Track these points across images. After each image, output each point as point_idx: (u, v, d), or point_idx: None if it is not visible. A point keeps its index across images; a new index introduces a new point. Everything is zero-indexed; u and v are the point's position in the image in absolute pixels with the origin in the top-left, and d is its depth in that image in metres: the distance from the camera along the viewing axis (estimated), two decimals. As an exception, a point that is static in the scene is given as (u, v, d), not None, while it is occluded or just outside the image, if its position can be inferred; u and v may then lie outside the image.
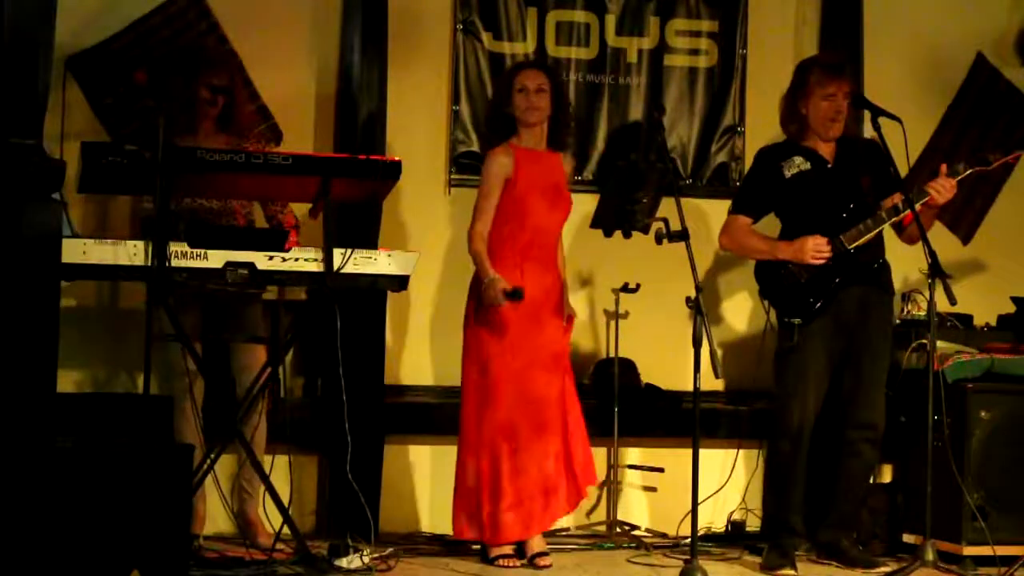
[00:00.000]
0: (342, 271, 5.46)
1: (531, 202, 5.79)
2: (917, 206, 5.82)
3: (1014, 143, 7.11)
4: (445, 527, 6.40)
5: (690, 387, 5.36)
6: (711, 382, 5.59)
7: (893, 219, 5.92)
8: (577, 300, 6.36)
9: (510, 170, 5.78)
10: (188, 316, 5.76)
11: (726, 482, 6.42)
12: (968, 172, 5.97)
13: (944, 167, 5.96)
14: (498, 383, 5.74)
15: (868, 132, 6.06)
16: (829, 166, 5.99)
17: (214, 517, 6.08)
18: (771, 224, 6.14)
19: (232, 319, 5.87)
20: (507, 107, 5.82)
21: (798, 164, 6.00)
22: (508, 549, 5.77)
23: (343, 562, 5.52)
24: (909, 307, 6.46)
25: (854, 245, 5.90)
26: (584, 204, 6.30)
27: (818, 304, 5.92)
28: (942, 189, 5.87)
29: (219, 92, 5.85)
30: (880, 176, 5.98)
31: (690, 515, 5.36)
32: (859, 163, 6.01)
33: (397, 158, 5.62)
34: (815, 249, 5.91)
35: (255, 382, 5.75)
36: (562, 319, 5.88)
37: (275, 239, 5.46)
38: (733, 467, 6.47)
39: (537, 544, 5.79)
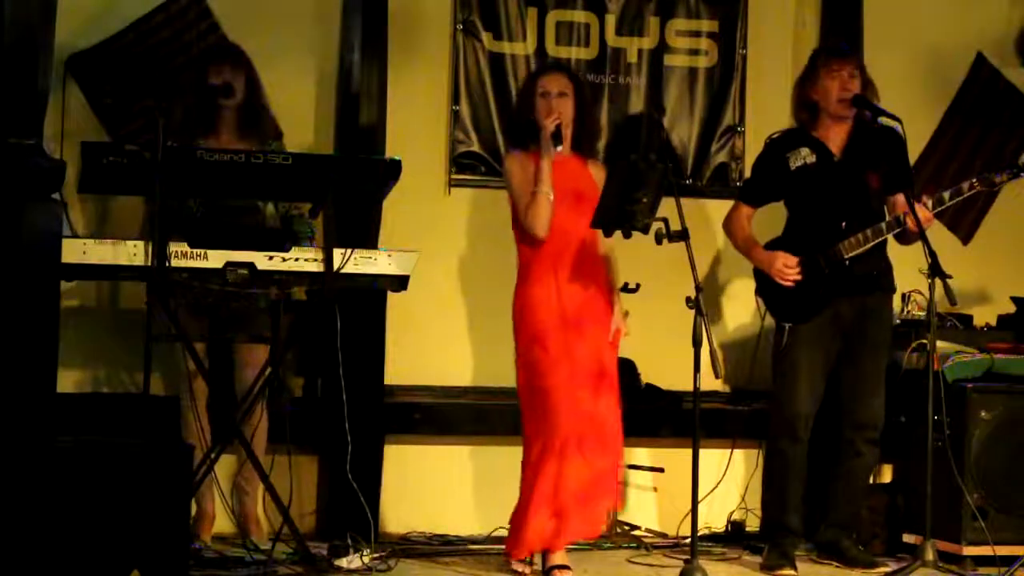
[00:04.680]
0: (342, 271, 5.46)
1: (557, 211, 5.60)
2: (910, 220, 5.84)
3: (1014, 145, 7.14)
4: (445, 527, 6.41)
5: (690, 387, 5.35)
6: (711, 382, 5.59)
7: (893, 231, 5.92)
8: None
9: (531, 174, 5.63)
10: (196, 317, 5.77)
11: (720, 480, 6.41)
12: (954, 201, 6.01)
13: (924, 197, 5.96)
14: (543, 396, 5.56)
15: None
16: (836, 160, 5.99)
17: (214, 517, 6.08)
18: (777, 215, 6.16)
19: (236, 318, 5.86)
20: (530, 113, 5.68)
21: (804, 156, 6.00)
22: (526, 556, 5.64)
23: (343, 562, 5.53)
24: (909, 307, 6.46)
25: (851, 255, 5.90)
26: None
27: (807, 311, 5.92)
28: (925, 222, 5.84)
29: (231, 84, 5.83)
30: (891, 170, 5.98)
31: (690, 515, 5.36)
32: (870, 157, 5.98)
33: (397, 157, 5.63)
34: (780, 271, 5.93)
35: (255, 381, 5.76)
36: (607, 332, 5.67)
37: (275, 239, 5.46)
38: (728, 465, 6.47)
39: (559, 557, 5.62)
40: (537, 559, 5.68)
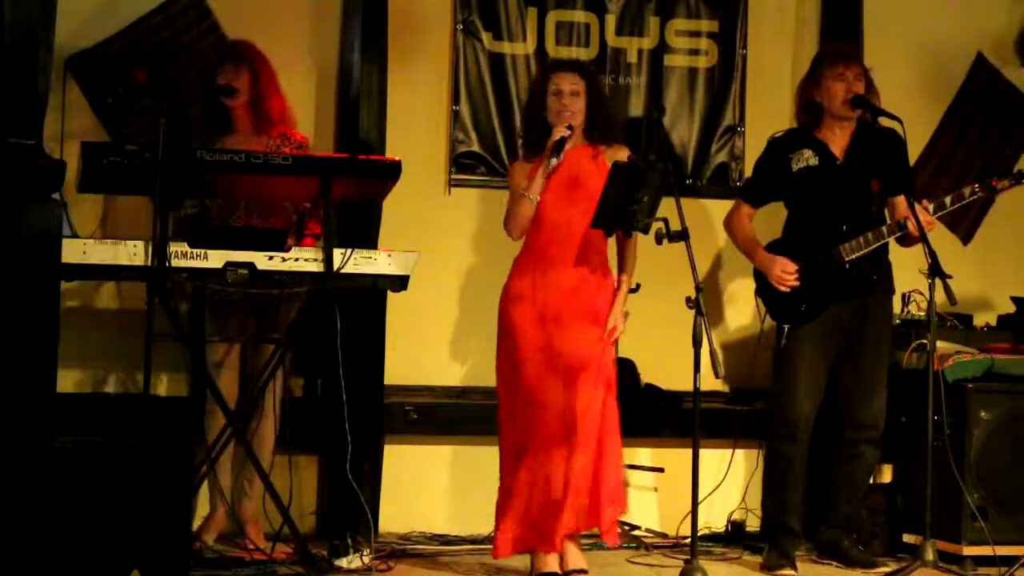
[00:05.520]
0: (342, 271, 5.46)
1: (542, 199, 5.53)
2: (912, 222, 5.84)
3: (1014, 145, 7.15)
4: (445, 527, 6.41)
5: (690, 387, 5.35)
6: (711, 382, 5.58)
7: (894, 235, 5.93)
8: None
9: (525, 180, 5.58)
10: (234, 317, 5.80)
11: (721, 481, 6.43)
12: (955, 206, 6.02)
13: (925, 201, 5.97)
14: (514, 391, 5.55)
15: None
16: (838, 163, 5.99)
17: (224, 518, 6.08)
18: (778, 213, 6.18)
19: (257, 318, 5.86)
20: (542, 111, 5.59)
21: (806, 158, 6.01)
22: (553, 566, 5.51)
23: (343, 562, 5.53)
24: (909, 307, 6.46)
25: (851, 258, 5.91)
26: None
27: (806, 313, 5.93)
28: (926, 225, 5.85)
29: (231, 85, 5.84)
30: (892, 174, 5.98)
31: (690, 515, 5.36)
32: (872, 160, 5.99)
33: (397, 158, 5.62)
34: (779, 277, 5.94)
35: (255, 381, 5.77)
36: (596, 326, 5.54)
37: (275, 239, 5.46)
38: (729, 466, 6.48)
39: (574, 560, 5.54)
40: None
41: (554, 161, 5.51)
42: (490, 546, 5.98)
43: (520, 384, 5.52)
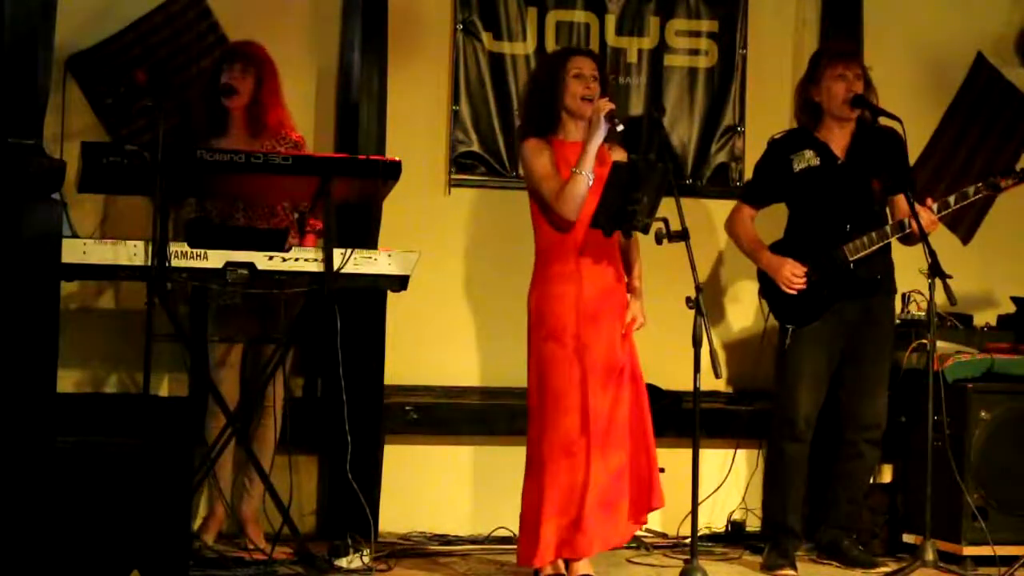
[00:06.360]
0: (342, 271, 5.46)
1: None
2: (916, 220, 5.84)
3: (1014, 145, 7.14)
4: (445, 527, 6.41)
5: (690, 387, 5.35)
6: (712, 382, 5.58)
7: (897, 235, 5.93)
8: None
9: (551, 159, 5.43)
10: (234, 317, 5.81)
11: (723, 481, 6.43)
12: (959, 205, 6.03)
13: (930, 200, 5.98)
14: (555, 395, 5.36)
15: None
16: (840, 163, 5.99)
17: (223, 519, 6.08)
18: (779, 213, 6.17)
19: (259, 318, 5.87)
20: (559, 94, 5.44)
21: (807, 159, 6.01)
22: (560, 567, 5.41)
23: (343, 562, 5.53)
24: (909, 307, 6.46)
25: (855, 258, 5.91)
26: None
27: (811, 313, 5.93)
28: (930, 225, 5.86)
29: (231, 85, 5.84)
30: (893, 173, 5.99)
31: (690, 515, 5.36)
32: (873, 159, 5.99)
33: (397, 158, 5.62)
34: (787, 280, 5.93)
35: (255, 381, 5.77)
36: (623, 324, 5.49)
37: (275, 239, 5.46)
38: (730, 466, 6.48)
39: (583, 566, 5.41)
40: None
41: (621, 128, 5.33)
42: (491, 546, 6.00)
43: (562, 387, 5.36)
